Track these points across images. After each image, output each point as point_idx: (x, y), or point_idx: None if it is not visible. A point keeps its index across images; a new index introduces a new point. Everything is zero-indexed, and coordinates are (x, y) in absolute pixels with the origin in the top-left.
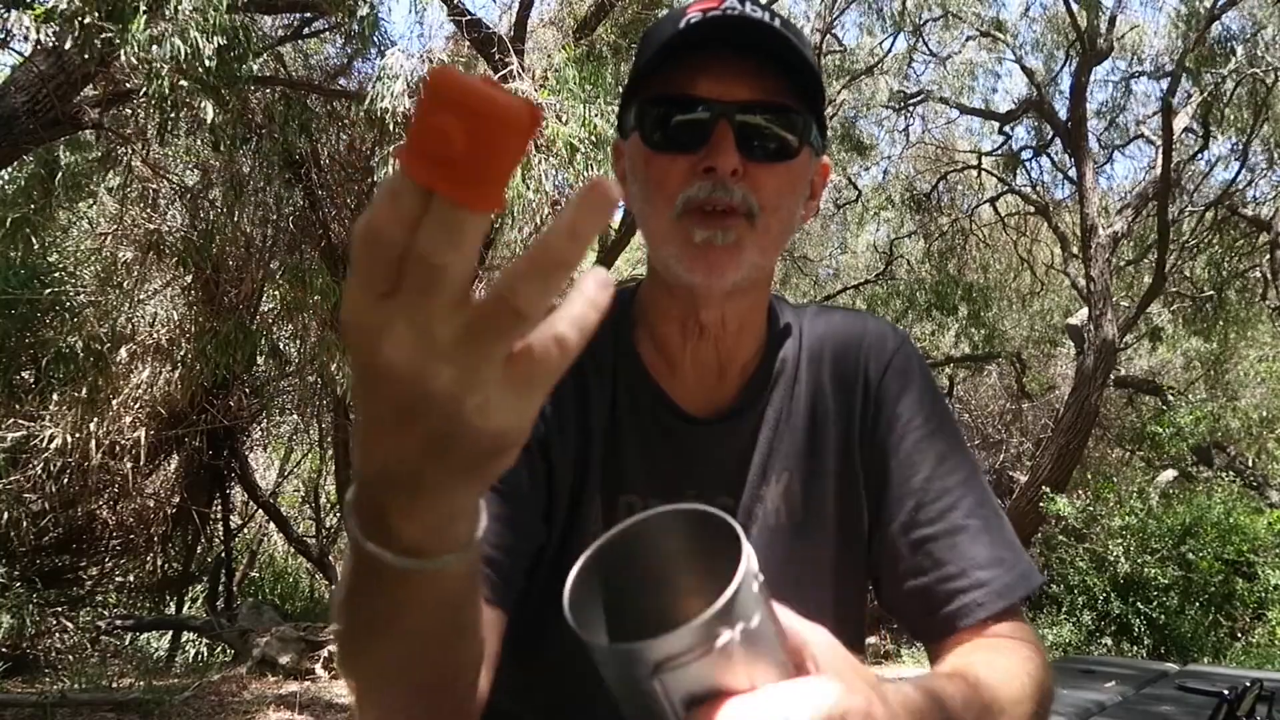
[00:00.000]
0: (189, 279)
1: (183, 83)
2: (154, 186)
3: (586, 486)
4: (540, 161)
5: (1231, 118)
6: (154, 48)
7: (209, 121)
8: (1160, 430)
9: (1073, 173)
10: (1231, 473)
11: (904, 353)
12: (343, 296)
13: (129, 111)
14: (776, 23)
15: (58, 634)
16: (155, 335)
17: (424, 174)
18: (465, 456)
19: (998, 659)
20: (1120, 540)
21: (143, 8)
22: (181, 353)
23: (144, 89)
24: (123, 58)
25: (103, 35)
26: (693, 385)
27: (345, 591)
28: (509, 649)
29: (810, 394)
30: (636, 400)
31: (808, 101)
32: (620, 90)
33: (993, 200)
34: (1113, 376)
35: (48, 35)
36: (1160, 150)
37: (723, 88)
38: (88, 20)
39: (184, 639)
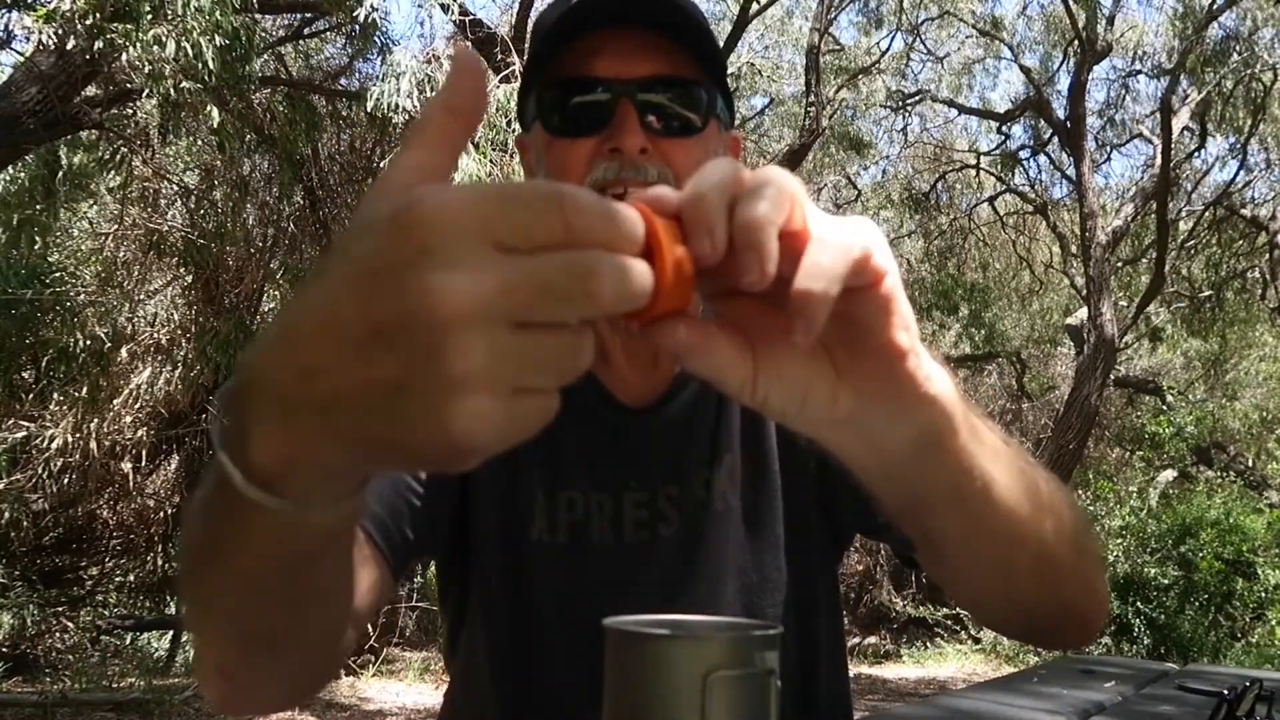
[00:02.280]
0: (189, 279)
1: (185, 84)
2: (155, 187)
3: (523, 486)
4: None
5: (1229, 117)
6: (156, 49)
7: (215, 125)
8: (1160, 430)
9: (1071, 171)
10: (1231, 473)
11: None
12: (452, 197)
13: (130, 111)
14: None
15: (58, 634)
16: (155, 335)
17: (667, 256)
18: (402, 455)
19: None
20: (1120, 540)
21: (147, 8)
22: (181, 353)
23: (147, 90)
24: (124, 59)
25: (106, 36)
26: (627, 375)
27: (199, 501)
28: (479, 658)
29: None
30: (571, 394)
31: (710, 74)
32: None
33: (991, 199)
34: (1113, 376)
35: (49, 35)
36: (1158, 149)
37: (621, 65)
38: (89, 21)
39: (184, 639)
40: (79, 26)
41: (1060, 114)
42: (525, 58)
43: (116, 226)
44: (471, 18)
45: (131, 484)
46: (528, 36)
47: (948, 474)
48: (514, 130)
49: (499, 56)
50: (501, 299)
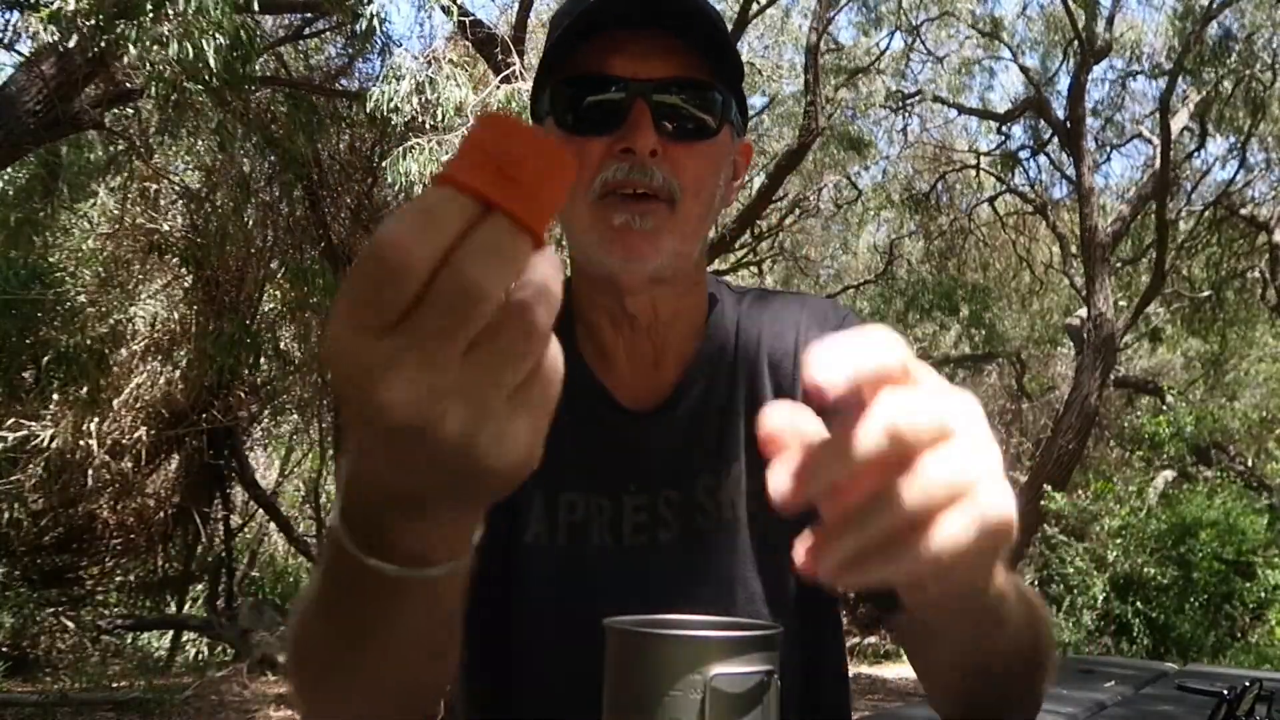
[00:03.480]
0: (189, 279)
1: (187, 84)
2: (155, 187)
3: (521, 490)
4: None
5: (1229, 117)
6: (156, 48)
7: (219, 125)
8: (1160, 430)
9: (1071, 171)
10: (1231, 473)
11: (845, 326)
12: (330, 326)
13: (130, 111)
14: None
15: (58, 634)
16: (155, 335)
17: (489, 187)
18: (476, 490)
19: None
20: (1119, 540)
21: (149, 7)
22: (181, 353)
23: (147, 90)
24: (126, 59)
25: (108, 37)
26: (629, 378)
27: (320, 604)
28: (476, 661)
29: (748, 380)
30: (573, 395)
31: (726, 79)
32: None
33: (991, 200)
34: (1113, 376)
35: (52, 35)
36: (1158, 149)
37: (637, 65)
38: (92, 22)
39: (184, 638)
40: (82, 27)
41: (1060, 114)
42: (541, 51)
43: (116, 226)
44: (471, 18)
45: (131, 484)
46: (528, 36)
47: (960, 634)
48: None
49: (499, 57)
50: (488, 399)
